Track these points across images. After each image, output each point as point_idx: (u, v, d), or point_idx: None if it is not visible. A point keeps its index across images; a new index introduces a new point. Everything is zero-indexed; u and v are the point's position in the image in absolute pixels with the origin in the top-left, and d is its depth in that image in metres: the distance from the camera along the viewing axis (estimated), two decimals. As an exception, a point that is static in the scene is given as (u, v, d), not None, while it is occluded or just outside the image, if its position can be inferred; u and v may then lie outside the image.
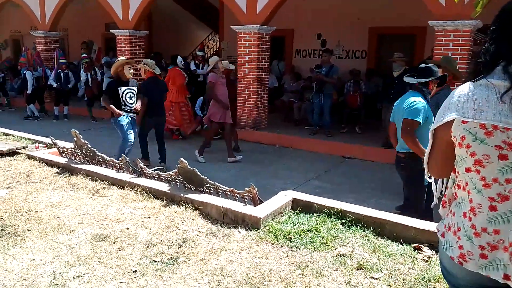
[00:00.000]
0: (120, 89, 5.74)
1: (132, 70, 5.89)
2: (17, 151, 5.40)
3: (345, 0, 10.08)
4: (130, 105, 5.82)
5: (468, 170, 1.29)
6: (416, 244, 2.92)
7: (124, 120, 5.74)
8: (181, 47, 15.56)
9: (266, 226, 3.20)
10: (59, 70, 10.56)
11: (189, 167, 3.72)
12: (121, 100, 5.74)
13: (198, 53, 10.53)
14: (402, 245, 2.95)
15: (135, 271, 2.62)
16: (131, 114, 5.86)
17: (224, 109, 6.70)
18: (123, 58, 6.10)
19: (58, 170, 4.70)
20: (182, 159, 3.79)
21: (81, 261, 2.73)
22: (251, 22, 8.33)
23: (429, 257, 2.77)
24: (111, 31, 10.91)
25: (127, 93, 5.80)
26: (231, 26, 8.87)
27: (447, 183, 1.49)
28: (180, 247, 2.93)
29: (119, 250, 2.88)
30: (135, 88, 5.88)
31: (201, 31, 16.91)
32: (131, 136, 5.79)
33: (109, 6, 10.59)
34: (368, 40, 10.45)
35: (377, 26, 9.99)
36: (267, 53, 8.72)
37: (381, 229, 3.13)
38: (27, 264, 2.69)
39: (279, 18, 8.72)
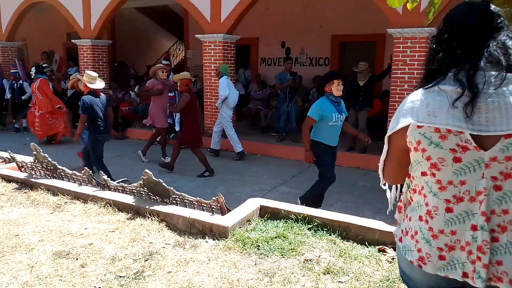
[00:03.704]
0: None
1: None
2: (-29, 167, 5.14)
3: (307, 9, 10.29)
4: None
5: (423, 174, 1.32)
6: (380, 246, 2.99)
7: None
8: (146, 56, 15.38)
9: (234, 235, 3.19)
10: (13, 82, 10.10)
11: (154, 178, 3.66)
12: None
13: (164, 62, 10.41)
14: (367, 247, 3.01)
15: None
16: None
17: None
18: (78, 74, 6.28)
19: (16, 186, 4.51)
20: (146, 170, 3.73)
21: (41, 281, 2.61)
22: (215, 31, 8.35)
23: (393, 258, 2.83)
24: (73, 40, 10.64)
25: None
26: (195, 35, 8.85)
27: (401, 189, 1.52)
28: (146, 260, 2.87)
29: (82, 267, 2.79)
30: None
31: (166, 40, 16.78)
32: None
33: (69, 15, 10.33)
34: (331, 48, 10.69)
35: (339, 34, 10.25)
36: (232, 61, 8.74)
37: (347, 232, 3.18)
38: (-18, 286, 2.56)
39: (244, 27, 8.79)
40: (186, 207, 3.66)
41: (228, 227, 3.18)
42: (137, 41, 15.05)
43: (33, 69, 9.04)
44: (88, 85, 5.51)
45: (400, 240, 1.44)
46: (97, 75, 5.71)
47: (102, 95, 5.78)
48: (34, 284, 2.58)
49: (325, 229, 3.25)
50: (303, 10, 10.36)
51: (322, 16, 10.16)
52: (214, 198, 3.52)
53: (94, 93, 5.59)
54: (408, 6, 2.42)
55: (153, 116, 7.33)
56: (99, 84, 5.59)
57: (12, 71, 10.23)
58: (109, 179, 4.19)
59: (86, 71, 5.83)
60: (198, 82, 10.50)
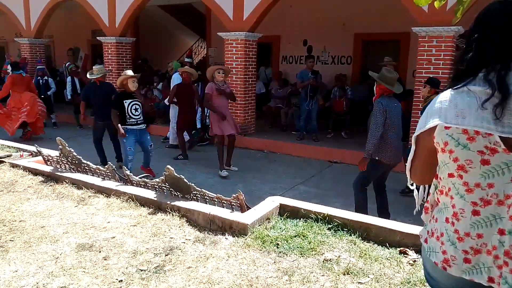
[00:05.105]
0: (126, 101, 5.81)
1: (136, 84, 5.96)
2: (0, 159, 5.30)
3: (330, 6, 10.19)
4: (136, 117, 5.87)
5: (450, 175, 1.30)
6: (401, 248, 2.95)
7: (128, 136, 5.81)
8: (169, 54, 15.55)
9: (253, 233, 3.20)
10: (38, 78, 10.35)
11: (175, 174, 3.70)
12: (127, 113, 5.80)
13: (186, 59, 10.49)
14: (388, 249, 2.97)
15: (121, 280, 2.59)
16: (137, 126, 5.89)
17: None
18: (130, 72, 6.12)
19: (43, 179, 4.63)
20: (168, 166, 3.77)
21: (65, 272, 2.68)
22: (238, 29, 8.37)
23: (415, 261, 2.79)
24: (98, 38, 10.85)
25: (133, 105, 5.86)
26: (218, 33, 8.89)
27: (429, 189, 1.50)
28: (167, 255, 2.91)
29: (105, 260, 2.85)
30: (139, 100, 6.00)
31: (189, 38, 16.92)
32: (131, 152, 5.86)
33: (95, 13, 10.54)
34: (354, 46, 10.57)
35: (362, 32, 10.12)
36: (254, 59, 8.76)
37: (367, 233, 3.15)
38: (9, 276, 2.64)
39: (266, 25, 8.78)
40: (207, 203, 3.69)
41: (247, 224, 3.20)
42: (160, 38, 15.24)
43: (9, 66, 9.09)
44: (89, 76, 6.65)
45: (426, 241, 1.42)
46: (97, 67, 6.64)
47: (105, 84, 6.65)
48: (58, 275, 2.65)
49: (345, 229, 3.22)
50: (326, 8, 10.27)
51: (345, 14, 10.06)
52: (234, 195, 3.53)
53: (94, 83, 6.54)
54: (436, 4, 2.37)
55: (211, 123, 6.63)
56: (95, 75, 6.52)
57: (39, 67, 10.49)
58: (131, 174, 4.25)
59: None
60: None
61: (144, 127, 6.02)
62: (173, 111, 8.04)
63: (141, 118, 5.93)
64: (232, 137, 6.61)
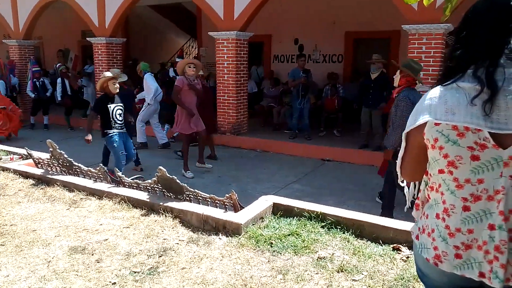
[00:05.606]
0: (110, 106, 5.53)
1: (117, 85, 5.63)
2: (-10, 163, 5.25)
3: (321, 5, 10.22)
4: (120, 122, 5.65)
5: (441, 171, 1.31)
6: (395, 244, 2.97)
7: (116, 139, 5.53)
8: (160, 54, 15.47)
9: (247, 232, 3.20)
10: (34, 79, 10.26)
11: (168, 175, 3.69)
12: (111, 118, 5.55)
13: (177, 59, 10.47)
14: (382, 245, 2.99)
15: (114, 283, 2.57)
16: (122, 130, 5.67)
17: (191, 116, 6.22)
18: (108, 73, 5.75)
19: (33, 182, 4.58)
20: (160, 167, 3.76)
21: (58, 275, 2.66)
22: (229, 28, 8.35)
23: (408, 257, 2.81)
24: (88, 38, 10.76)
25: (117, 110, 5.60)
26: (209, 33, 8.87)
27: (419, 186, 1.51)
28: (160, 256, 2.90)
29: (98, 262, 2.83)
30: (121, 104, 5.69)
31: (180, 38, 16.85)
32: (123, 156, 5.62)
33: (84, 14, 10.45)
34: (345, 44, 10.60)
35: (353, 30, 10.16)
36: (245, 58, 8.75)
37: (361, 230, 3.16)
38: (0, 281, 2.61)
39: (257, 24, 8.77)
40: (200, 203, 3.68)
41: (241, 224, 3.19)
42: (151, 38, 15.15)
43: None
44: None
45: (417, 237, 1.43)
46: (114, 71, 6.20)
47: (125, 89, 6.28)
48: (51, 279, 2.63)
49: (339, 227, 3.24)
50: (316, 6, 10.30)
51: (335, 13, 10.09)
52: (227, 195, 3.53)
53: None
54: (425, 2, 2.39)
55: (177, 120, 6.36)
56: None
57: (34, 69, 10.38)
58: (123, 175, 4.23)
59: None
60: (211, 79, 10.53)
61: (125, 131, 5.78)
62: (145, 110, 8.06)
63: (124, 122, 5.72)
64: (204, 134, 6.47)
